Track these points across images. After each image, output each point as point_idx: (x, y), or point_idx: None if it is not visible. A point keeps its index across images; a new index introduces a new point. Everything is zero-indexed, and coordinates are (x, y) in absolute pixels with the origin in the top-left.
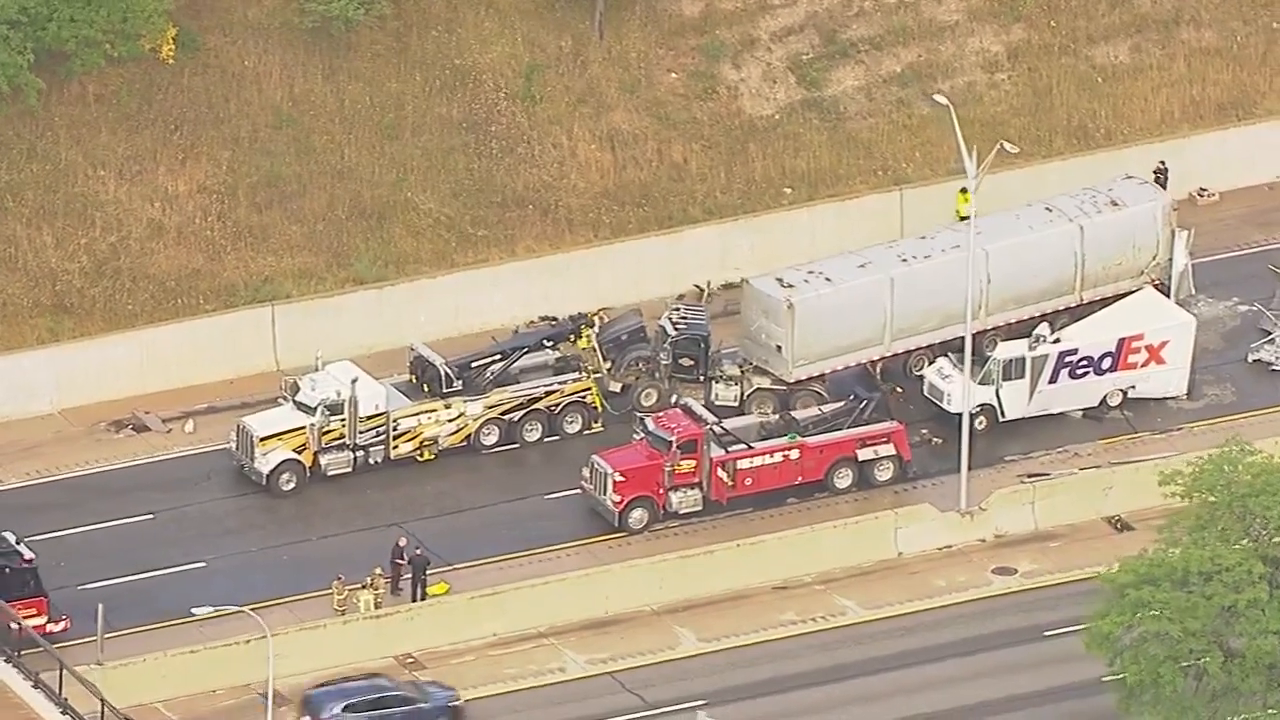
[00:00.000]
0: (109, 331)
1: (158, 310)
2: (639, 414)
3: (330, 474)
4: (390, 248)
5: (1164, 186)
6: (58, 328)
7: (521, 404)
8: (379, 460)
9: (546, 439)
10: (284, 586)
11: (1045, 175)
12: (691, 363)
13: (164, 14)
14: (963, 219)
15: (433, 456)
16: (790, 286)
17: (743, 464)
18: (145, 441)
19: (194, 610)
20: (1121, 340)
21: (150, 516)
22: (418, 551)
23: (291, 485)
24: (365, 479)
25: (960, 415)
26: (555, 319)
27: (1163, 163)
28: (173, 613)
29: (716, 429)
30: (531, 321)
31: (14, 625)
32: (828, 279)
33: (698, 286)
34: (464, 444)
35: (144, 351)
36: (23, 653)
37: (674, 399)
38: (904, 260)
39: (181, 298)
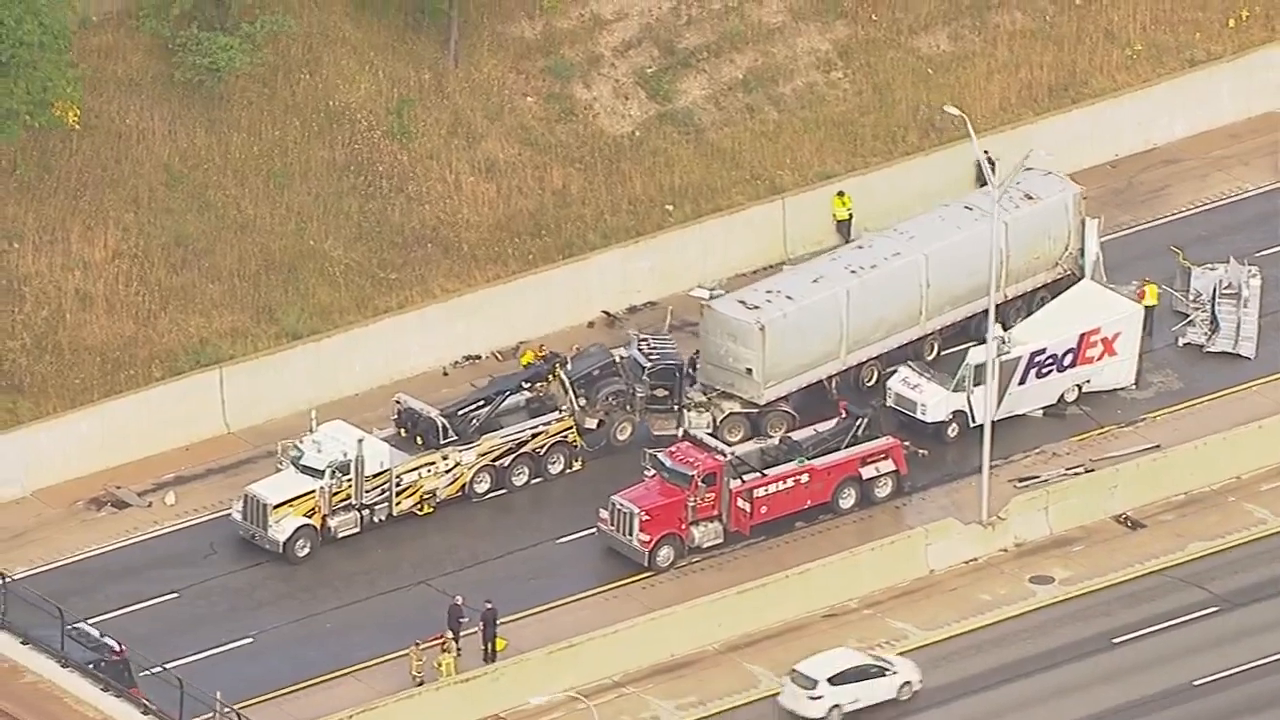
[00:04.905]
0: (68, 409)
1: (107, 382)
2: (648, 450)
3: (340, 536)
4: (310, 299)
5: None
6: (17, 409)
7: (511, 448)
8: (383, 518)
9: (533, 481)
10: (341, 657)
11: (909, 171)
12: (666, 393)
13: (77, 81)
14: (840, 222)
15: (432, 509)
16: (756, 308)
17: (758, 492)
18: (131, 518)
19: (531, 700)
20: (1081, 335)
21: (175, 595)
22: (487, 605)
23: (306, 551)
24: (372, 538)
25: (933, 424)
26: (478, 357)
27: (987, 153)
28: (248, 693)
29: (734, 459)
30: (455, 362)
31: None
32: (788, 297)
33: (606, 313)
34: (459, 494)
35: (103, 426)
36: None
37: (682, 432)
38: (853, 272)
39: (127, 369)
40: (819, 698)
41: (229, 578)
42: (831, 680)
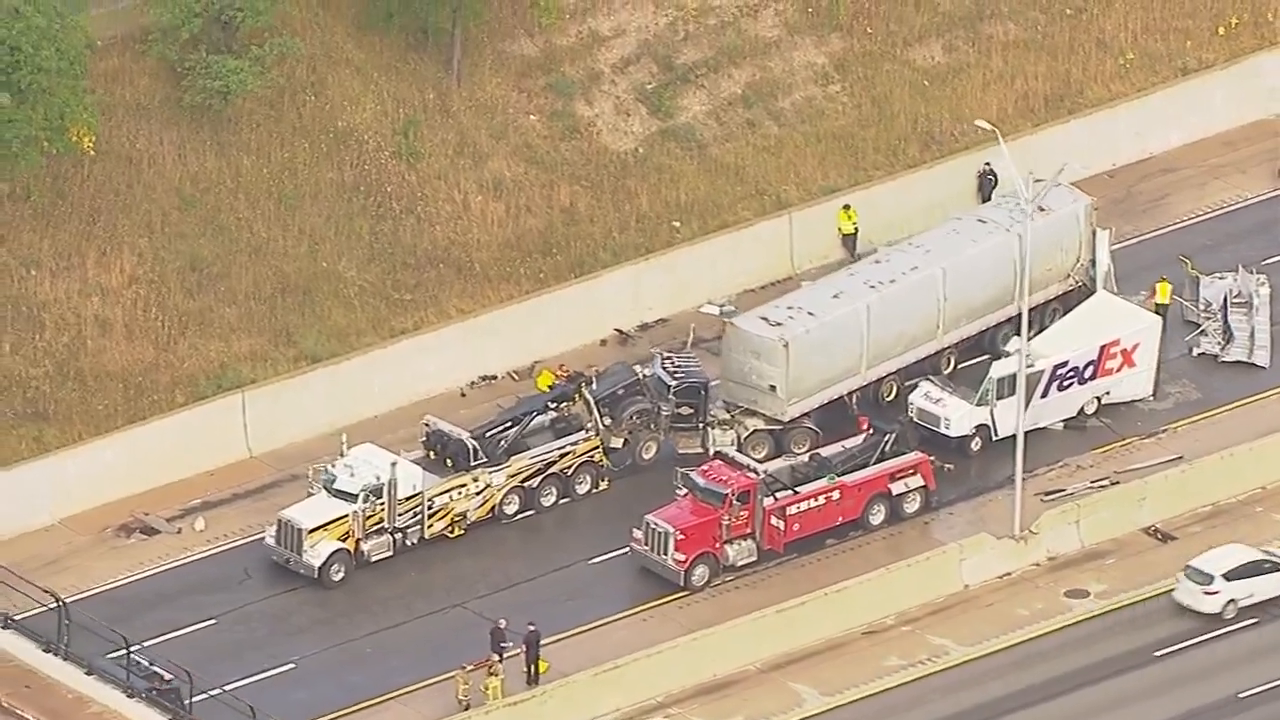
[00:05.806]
0: (93, 436)
1: (130, 408)
2: (680, 469)
3: (374, 559)
4: (327, 321)
5: (992, 190)
6: (43, 437)
7: (539, 469)
8: (414, 541)
9: (560, 501)
10: (384, 681)
11: (912, 185)
12: (691, 411)
13: (93, 106)
14: (846, 236)
15: (462, 532)
16: (779, 325)
17: (791, 509)
18: (161, 544)
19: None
20: (1102, 347)
21: (213, 622)
22: (530, 627)
23: (341, 575)
24: (404, 562)
25: (957, 439)
26: (494, 378)
27: (988, 164)
28: (295, 718)
29: (766, 477)
30: (472, 383)
31: None
32: (810, 313)
33: (618, 331)
34: (489, 516)
35: (129, 452)
36: None
37: (712, 451)
38: (872, 287)
39: (149, 394)
40: (1215, 593)
41: (265, 603)
42: (1227, 575)
